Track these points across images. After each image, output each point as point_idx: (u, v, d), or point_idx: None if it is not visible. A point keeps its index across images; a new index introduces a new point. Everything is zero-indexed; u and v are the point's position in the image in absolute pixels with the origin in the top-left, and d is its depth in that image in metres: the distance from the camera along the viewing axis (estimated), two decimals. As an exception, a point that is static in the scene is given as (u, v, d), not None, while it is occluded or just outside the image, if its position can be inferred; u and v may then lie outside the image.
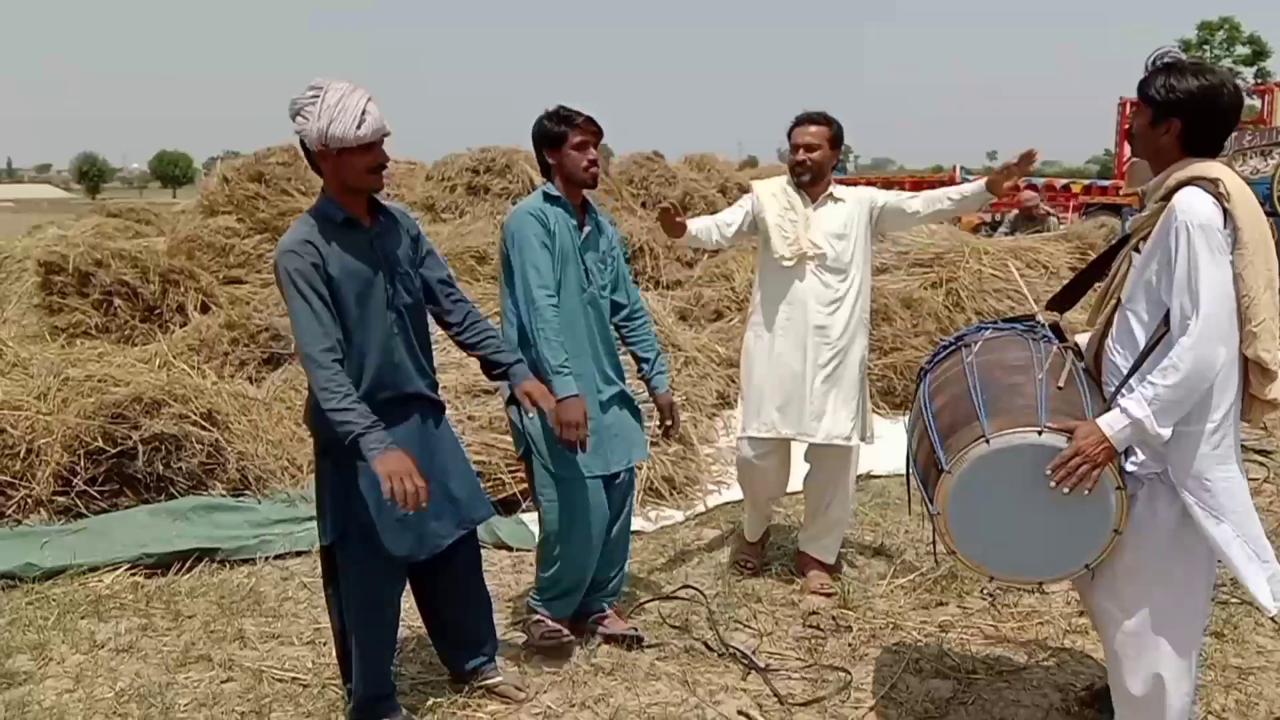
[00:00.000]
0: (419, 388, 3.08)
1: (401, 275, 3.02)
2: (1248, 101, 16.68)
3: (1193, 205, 2.47)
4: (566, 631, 3.71)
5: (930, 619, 4.00)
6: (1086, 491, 2.52)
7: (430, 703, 3.35)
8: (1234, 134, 13.01)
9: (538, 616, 3.71)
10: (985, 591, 4.23)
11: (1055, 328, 2.97)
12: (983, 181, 4.10)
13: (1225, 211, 2.47)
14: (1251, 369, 2.55)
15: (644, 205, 12.27)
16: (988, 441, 2.58)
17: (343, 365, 2.81)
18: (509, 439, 5.24)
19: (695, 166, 14.03)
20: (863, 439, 4.32)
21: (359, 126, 2.80)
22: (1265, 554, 2.57)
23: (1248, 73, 47.28)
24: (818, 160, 4.20)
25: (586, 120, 3.58)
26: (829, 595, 4.23)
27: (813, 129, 4.21)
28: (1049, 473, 2.53)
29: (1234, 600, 3.99)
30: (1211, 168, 2.56)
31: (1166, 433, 2.48)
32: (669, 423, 3.92)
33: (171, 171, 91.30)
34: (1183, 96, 2.58)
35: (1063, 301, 3.10)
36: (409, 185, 12.47)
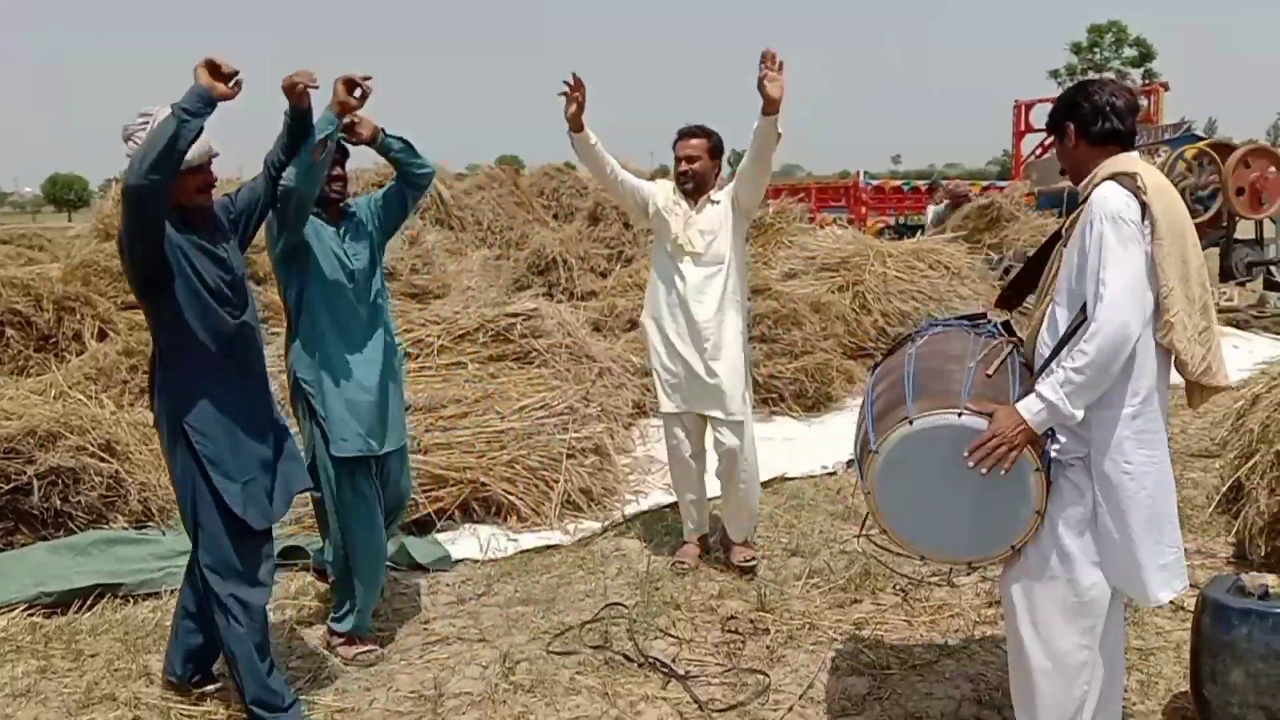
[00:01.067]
0: (258, 373, 3.32)
1: (238, 280, 3.24)
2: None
3: (1106, 199, 2.60)
4: (377, 648, 3.88)
5: (845, 617, 4.07)
6: (1003, 473, 2.60)
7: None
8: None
9: (341, 640, 3.88)
10: (898, 587, 4.31)
11: (1005, 324, 3.07)
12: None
13: (1143, 205, 2.58)
14: (1175, 358, 2.67)
15: (555, 217, 12.27)
16: (910, 422, 2.68)
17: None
18: (426, 459, 5.21)
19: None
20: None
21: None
22: (1171, 540, 2.68)
23: (1135, 74, 49.25)
24: (699, 170, 4.55)
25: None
26: (751, 566, 4.56)
27: (693, 142, 4.55)
28: (966, 454, 2.61)
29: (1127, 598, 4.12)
30: (1130, 163, 2.69)
31: (1080, 414, 2.58)
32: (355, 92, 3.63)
33: (65, 195, 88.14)
34: (1063, 101, 2.82)
35: (1010, 299, 3.19)
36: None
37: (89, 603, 4.32)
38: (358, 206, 3.97)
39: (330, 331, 3.71)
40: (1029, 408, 2.60)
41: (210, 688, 3.56)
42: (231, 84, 2.94)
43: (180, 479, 3.19)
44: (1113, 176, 2.65)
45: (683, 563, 4.68)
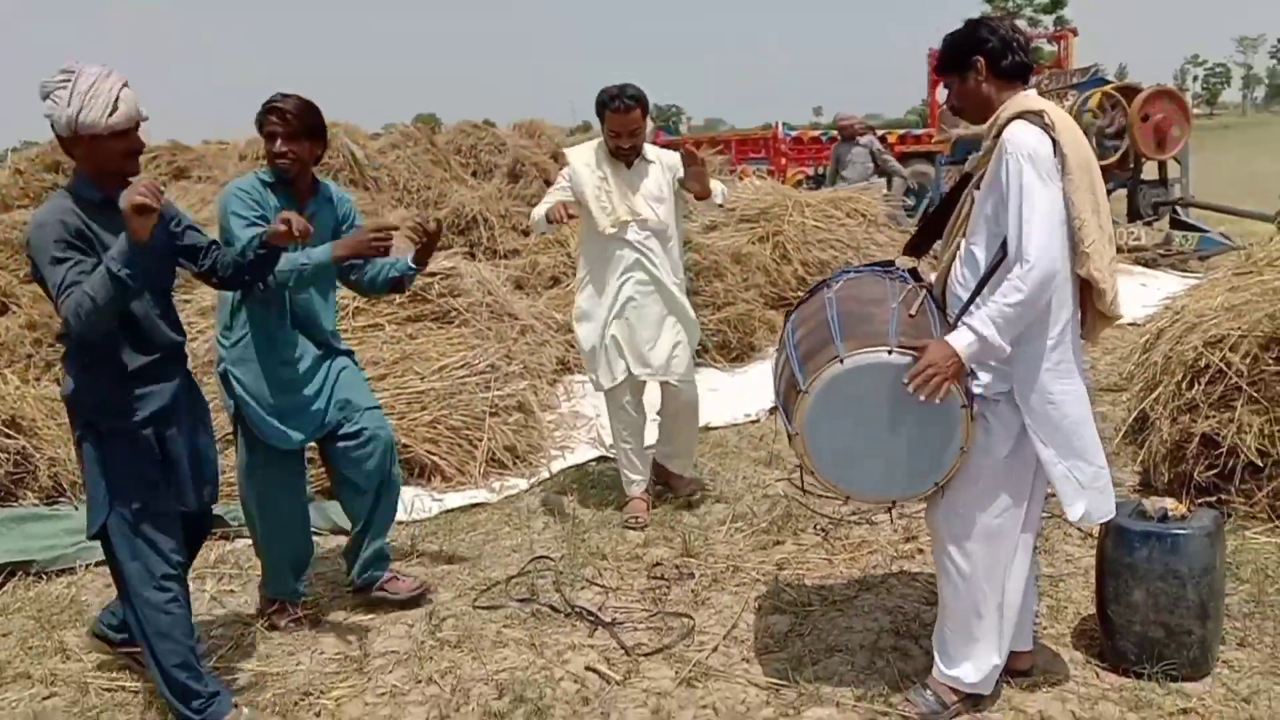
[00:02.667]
0: (177, 358, 3.09)
1: (161, 257, 2.98)
2: (1046, 47, 17.67)
3: (1020, 137, 2.64)
4: (300, 614, 3.80)
5: (768, 559, 4.13)
6: (939, 401, 2.66)
7: (270, 696, 3.26)
8: (1035, 79, 13.77)
9: (274, 606, 3.81)
10: (818, 528, 4.39)
11: (913, 271, 3.11)
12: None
13: (1053, 141, 2.64)
14: (1085, 286, 2.75)
15: (474, 174, 12.09)
16: (841, 361, 2.71)
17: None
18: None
19: (525, 133, 13.88)
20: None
21: (111, 114, 2.74)
22: (1096, 460, 2.78)
23: (1047, 20, 50.02)
24: (638, 143, 4.40)
25: (274, 109, 3.52)
26: (698, 498, 4.80)
27: (631, 115, 4.32)
28: (905, 381, 2.65)
29: (1045, 515, 4.25)
30: (1033, 100, 2.74)
31: (1009, 347, 2.65)
32: (424, 239, 3.66)
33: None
34: (966, 37, 2.81)
35: (917, 247, 3.23)
36: (221, 166, 11.90)
37: (0, 582, 4.20)
38: (332, 195, 3.74)
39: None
40: (960, 340, 2.65)
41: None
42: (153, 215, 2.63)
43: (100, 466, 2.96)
44: (1021, 115, 2.69)
45: (637, 518, 4.60)
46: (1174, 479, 4.40)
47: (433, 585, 4.03)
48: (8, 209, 9.83)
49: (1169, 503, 3.16)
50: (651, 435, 4.93)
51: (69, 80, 2.72)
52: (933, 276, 3.08)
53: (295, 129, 3.52)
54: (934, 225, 3.14)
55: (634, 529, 4.54)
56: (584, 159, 4.45)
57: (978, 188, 2.81)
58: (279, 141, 3.51)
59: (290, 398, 3.60)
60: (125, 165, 2.86)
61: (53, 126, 2.80)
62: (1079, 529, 4.20)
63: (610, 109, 4.32)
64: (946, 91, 2.99)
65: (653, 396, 4.81)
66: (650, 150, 4.49)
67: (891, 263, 3.23)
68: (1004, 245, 2.68)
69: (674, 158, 4.50)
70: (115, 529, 2.95)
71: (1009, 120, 2.70)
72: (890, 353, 2.71)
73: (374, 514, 3.82)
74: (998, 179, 2.68)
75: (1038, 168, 2.61)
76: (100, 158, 2.81)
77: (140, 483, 2.93)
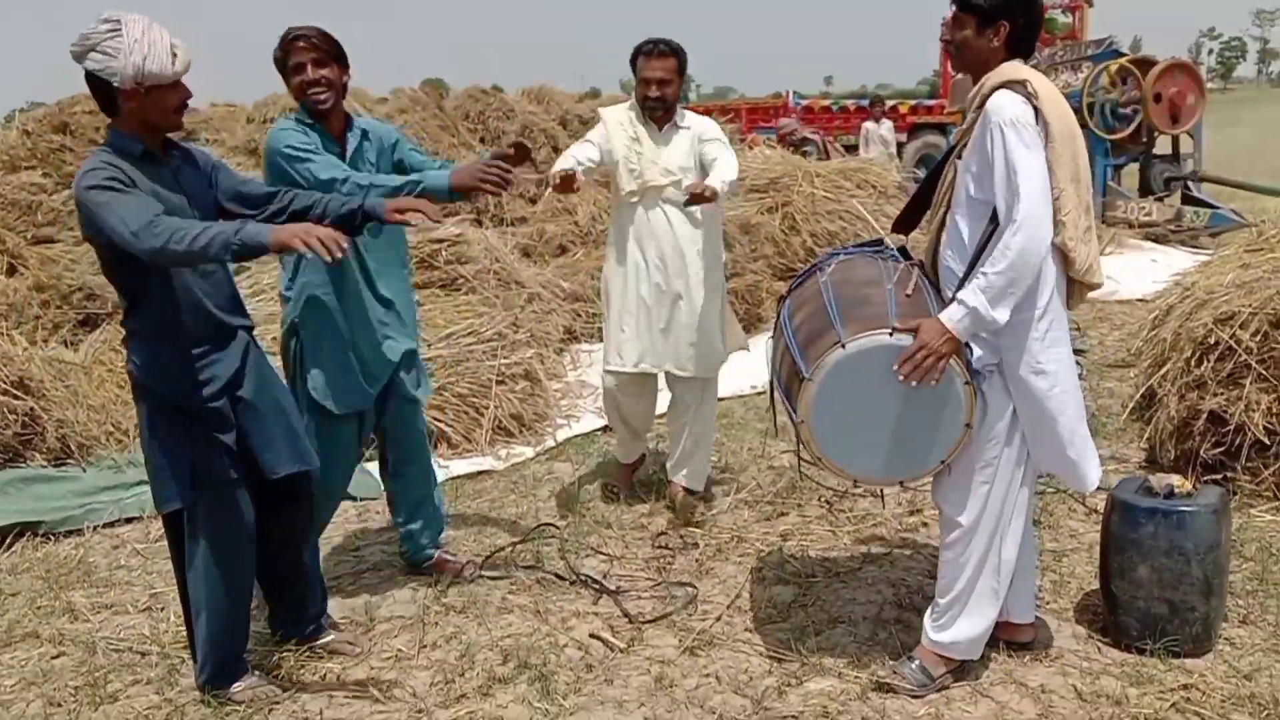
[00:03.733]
0: (239, 319, 2.97)
1: (205, 207, 2.88)
2: (1061, 19, 17.49)
3: (1004, 105, 2.63)
4: None
5: (772, 530, 4.14)
6: (934, 384, 2.66)
7: (275, 659, 3.28)
8: (1048, 50, 13.62)
9: None
10: (823, 500, 4.40)
11: (902, 250, 3.10)
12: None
13: (1036, 109, 2.63)
14: (1061, 255, 2.73)
15: (482, 141, 12.02)
16: (843, 346, 2.70)
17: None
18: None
19: (534, 99, 13.79)
20: (742, 348, 4.52)
21: (174, 62, 2.66)
22: (1081, 432, 2.80)
23: (1062, -9, 49.37)
24: (672, 95, 4.16)
25: (298, 37, 3.32)
26: (696, 519, 4.27)
27: (663, 62, 4.13)
28: (895, 368, 2.65)
29: (1049, 490, 4.26)
30: (1019, 70, 2.72)
31: (1003, 317, 2.63)
32: (508, 156, 3.45)
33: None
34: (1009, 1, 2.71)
35: (905, 223, 3.21)
36: (229, 129, 11.87)
37: (7, 542, 4.24)
38: (368, 127, 3.52)
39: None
40: (952, 315, 2.65)
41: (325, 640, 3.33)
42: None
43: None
44: (1005, 84, 2.68)
45: (614, 488, 4.56)
46: (1180, 456, 4.40)
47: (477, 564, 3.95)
48: (15, 170, 9.82)
49: (1175, 479, 3.16)
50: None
51: (118, 30, 2.60)
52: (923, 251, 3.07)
53: (325, 53, 3.32)
54: (922, 199, 3.12)
55: (618, 494, 4.51)
56: (617, 118, 4.20)
57: (959, 158, 2.79)
58: (309, 69, 3.29)
59: (351, 350, 3.45)
60: (173, 120, 2.78)
61: (98, 80, 2.66)
62: (1083, 504, 4.21)
63: (643, 53, 4.15)
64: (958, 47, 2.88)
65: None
66: (685, 116, 4.26)
67: (881, 241, 3.22)
68: (994, 216, 2.67)
69: (707, 125, 4.26)
70: (193, 509, 2.88)
71: (993, 89, 2.69)
72: (891, 334, 2.70)
73: (428, 479, 3.79)
74: (982, 148, 2.67)
75: (1021, 135, 2.60)
76: (157, 110, 2.71)
77: (217, 457, 2.85)
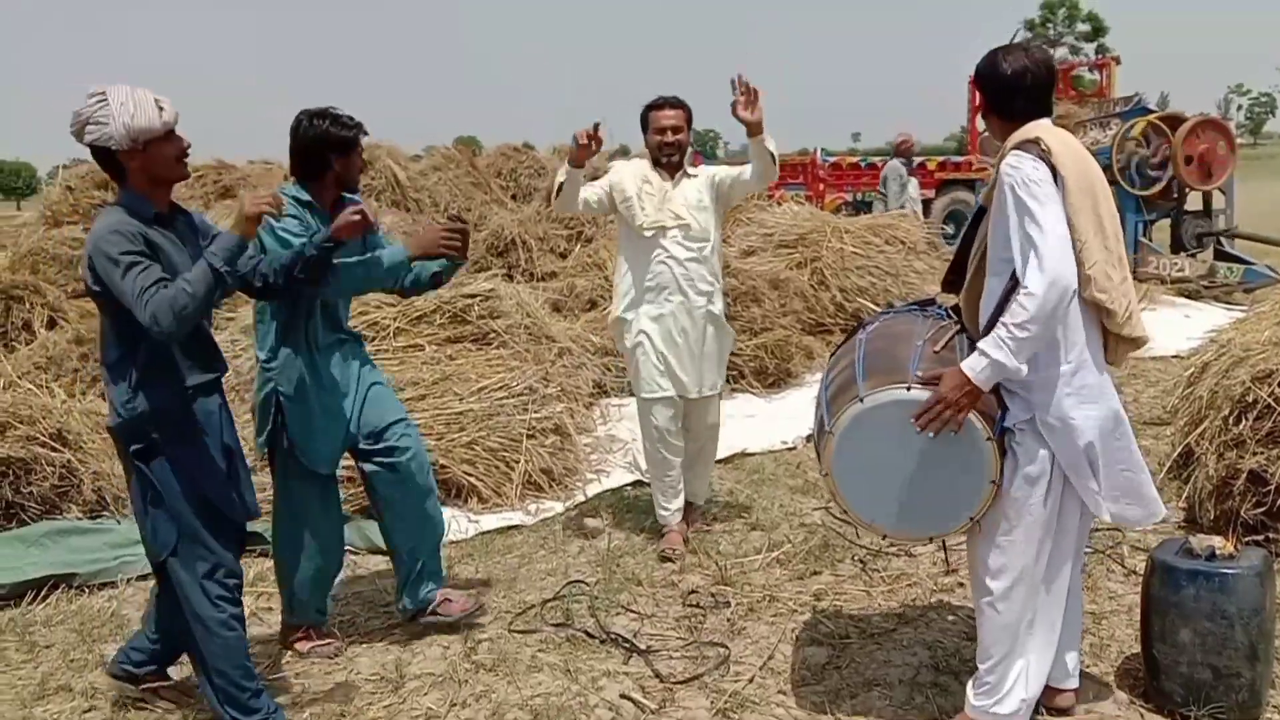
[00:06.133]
0: (219, 372, 3.13)
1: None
2: (1088, 76, 17.55)
3: (1014, 166, 2.68)
4: (334, 642, 3.76)
5: (805, 589, 4.10)
6: (954, 432, 2.64)
7: (305, 715, 3.27)
8: (1076, 105, 13.65)
9: (298, 635, 3.76)
10: (856, 559, 4.36)
11: (955, 308, 3.10)
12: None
13: (1051, 167, 2.66)
14: (1099, 309, 2.73)
15: (514, 197, 12.19)
16: (861, 400, 2.72)
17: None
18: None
19: (564, 157, 13.96)
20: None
21: (161, 114, 2.83)
22: (1131, 470, 2.79)
23: (1089, 48, 49.74)
24: (682, 141, 4.47)
25: (334, 119, 3.56)
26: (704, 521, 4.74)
27: (673, 112, 4.46)
28: (912, 419, 2.65)
29: (1087, 550, 4.19)
30: (1034, 129, 2.76)
31: (1024, 368, 2.63)
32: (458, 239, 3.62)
33: (12, 184, 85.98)
34: (978, 71, 2.90)
35: (954, 281, 3.21)
36: (266, 186, 12.08)
37: (42, 594, 4.26)
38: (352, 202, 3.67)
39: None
40: (973, 366, 2.65)
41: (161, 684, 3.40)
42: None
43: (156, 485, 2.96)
44: (1018, 145, 2.73)
45: (673, 549, 4.51)
46: (1220, 516, 4.32)
47: (482, 604, 3.99)
48: (58, 225, 10.06)
49: (1216, 541, 3.11)
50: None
51: (104, 100, 2.79)
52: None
53: (360, 135, 3.61)
54: (962, 259, 3.13)
55: (677, 557, 4.48)
56: (630, 168, 4.56)
57: (990, 219, 2.82)
58: (355, 152, 3.58)
59: (329, 415, 3.60)
60: (177, 169, 2.95)
61: (98, 150, 2.84)
62: (1121, 565, 4.14)
63: (654, 107, 4.48)
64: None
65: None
66: (693, 168, 4.54)
67: (933, 300, 3.23)
68: (1015, 273, 2.68)
69: (710, 170, 4.59)
70: (182, 549, 2.97)
71: (1008, 151, 2.74)
72: (909, 388, 2.70)
73: (421, 531, 3.78)
74: (1001, 209, 2.71)
75: (1032, 192, 2.63)
76: (157, 164, 2.87)
77: (209, 493, 2.97)
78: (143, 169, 2.87)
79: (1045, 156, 2.67)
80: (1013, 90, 2.80)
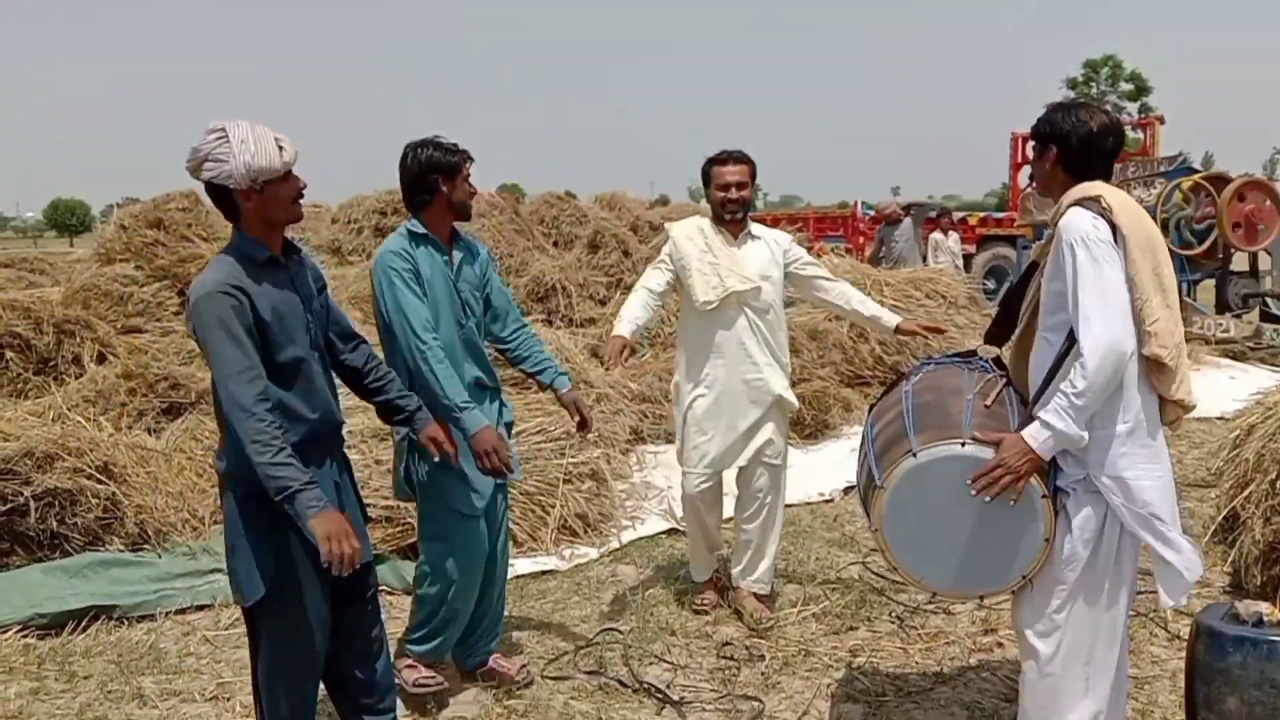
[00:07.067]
0: (338, 427, 2.98)
1: (317, 312, 2.93)
2: (1131, 135, 17.52)
3: (1075, 223, 2.64)
4: (440, 678, 3.68)
5: (841, 644, 4.06)
6: (1013, 502, 2.62)
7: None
8: (1119, 164, 13.63)
9: (410, 662, 3.68)
10: (894, 615, 4.30)
11: (996, 361, 3.09)
12: (894, 321, 4.29)
13: (1111, 225, 2.63)
14: (1152, 369, 2.68)
15: (555, 244, 12.32)
16: (914, 455, 2.69)
17: (273, 414, 2.65)
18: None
19: (606, 206, 14.14)
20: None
21: (282, 154, 2.73)
22: (1179, 543, 2.69)
23: (1131, 107, 49.58)
24: (747, 197, 4.30)
25: (456, 150, 3.61)
26: (768, 626, 4.22)
27: (738, 167, 4.27)
28: (969, 482, 2.63)
29: (1130, 613, 4.11)
30: (1094, 187, 2.74)
31: (1086, 435, 2.59)
32: (579, 419, 3.84)
33: (68, 220, 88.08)
34: (1053, 125, 2.82)
35: (998, 334, 3.20)
36: (314, 228, 12.32)
37: (83, 624, 4.31)
38: (471, 247, 3.75)
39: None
40: (1035, 435, 2.61)
41: None
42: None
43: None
44: (1078, 202, 2.70)
45: (705, 601, 4.47)
46: (1267, 582, 4.24)
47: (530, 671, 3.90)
48: (110, 262, 10.26)
49: (1264, 607, 3.04)
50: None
51: (224, 137, 2.68)
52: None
53: (465, 161, 3.62)
54: (1009, 312, 3.12)
55: (710, 610, 4.44)
56: (686, 232, 4.32)
57: (1043, 275, 2.81)
58: (460, 176, 3.58)
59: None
60: (293, 211, 2.83)
61: (214, 187, 2.73)
62: (1164, 629, 4.07)
63: (718, 161, 4.29)
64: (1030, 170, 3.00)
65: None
66: (757, 227, 4.38)
67: (974, 352, 3.22)
68: (1071, 333, 2.66)
69: (784, 237, 4.42)
70: (271, 602, 2.80)
71: (1068, 208, 2.71)
72: (964, 445, 2.68)
73: (490, 590, 3.75)
74: (1058, 266, 2.68)
75: (1093, 252, 2.60)
76: (275, 204, 2.75)
77: (302, 549, 2.76)
78: (258, 210, 2.75)
79: (1106, 214, 2.64)
80: (1092, 148, 2.76)
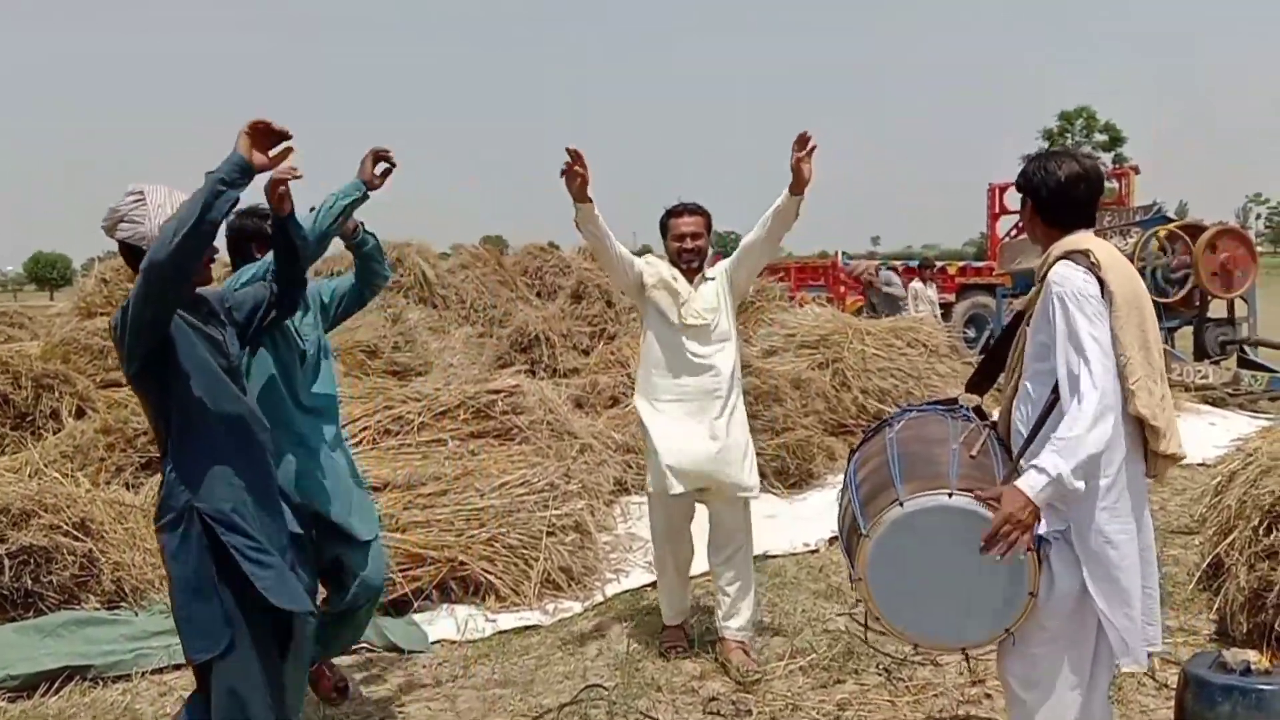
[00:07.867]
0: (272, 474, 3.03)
1: (235, 367, 3.00)
2: (1107, 185, 17.77)
3: (1064, 277, 2.67)
4: None
5: (828, 698, 4.01)
6: (1022, 558, 2.60)
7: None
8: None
9: None
10: (881, 667, 4.27)
11: (977, 410, 3.09)
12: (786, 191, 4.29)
13: (1099, 280, 2.65)
14: (1145, 425, 2.69)
15: (539, 295, 12.35)
16: (901, 504, 2.68)
17: None
18: (404, 538, 5.14)
19: (589, 256, 14.18)
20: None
21: None
22: (1135, 605, 2.68)
23: (1106, 158, 50.37)
24: (703, 247, 4.46)
25: None
26: (755, 678, 4.19)
27: (693, 219, 4.47)
28: (982, 543, 2.59)
29: (1118, 662, 4.09)
30: (1082, 240, 2.76)
31: (1082, 486, 2.58)
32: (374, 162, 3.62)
33: (48, 274, 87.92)
34: (1026, 177, 2.86)
35: (979, 383, 3.22)
36: (297, 281, 12.29)
37: (56, 686, 4.22)
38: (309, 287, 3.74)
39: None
40: (1033, 485, 2.58)
41: None
42: (274, 153, 2.78)
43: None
44: (1067, 255, 2.72)
45: (675, 646, 4.51)
46: (1253, 629, 4.22)
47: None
48: (90, 316, 10.21)
49: (1251, 655, 3.05)
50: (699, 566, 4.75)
51: (142, 199, 2.81)
52: (996, 414, 3.06)
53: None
54: (993, 362, 3.14)
55: (678, 653, 4.45)
56: (657, 265, 4.51)
57: (1029, 324, 2.82)
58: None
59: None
60: (205, 272, 2.90)
61: (129, 247, 2.83)
62: (1153, 678, 4.04)
63: (673, 214, 4.49)
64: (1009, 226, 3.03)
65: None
66: (710, 270, 4.51)
67: (955, 400, 3.22)
68: (1055, 386, 2.67)
69: (721, 264, 4.55)
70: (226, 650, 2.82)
71: (1056, 260, 2.73)
72: (950, 495, 2.67)
73: (337, 630, 3.73)
74: (1045, 318, 2.69)
75: (1082, 307, 2.62)
76: None
77: (250, 592, 2.80)
78: None
79: (1095, 270, 2.66)
80: (1063, 198, 2.78)
